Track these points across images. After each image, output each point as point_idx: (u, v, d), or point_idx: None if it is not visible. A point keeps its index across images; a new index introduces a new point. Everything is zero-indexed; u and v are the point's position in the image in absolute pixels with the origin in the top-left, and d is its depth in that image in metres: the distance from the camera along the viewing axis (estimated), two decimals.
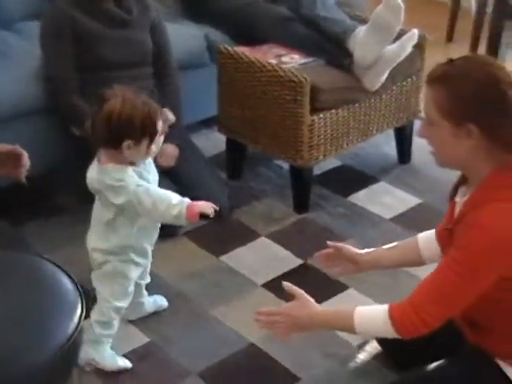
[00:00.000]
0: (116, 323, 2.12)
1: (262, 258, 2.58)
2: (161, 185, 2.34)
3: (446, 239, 1.75)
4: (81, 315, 1.61)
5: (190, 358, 2.17)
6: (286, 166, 2.93)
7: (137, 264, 2.10)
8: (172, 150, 2.71)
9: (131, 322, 2.29)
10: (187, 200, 1.96)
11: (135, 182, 1.96)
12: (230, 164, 3.01)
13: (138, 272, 2.13)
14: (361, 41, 2.68)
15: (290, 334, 1.84)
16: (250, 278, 2.46)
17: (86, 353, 2.07)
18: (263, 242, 2.66)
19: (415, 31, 2.69)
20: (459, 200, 1.75)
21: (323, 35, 2.82)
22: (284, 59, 2.75)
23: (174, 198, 1.96)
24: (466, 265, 1.63)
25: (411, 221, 2.76)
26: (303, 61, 2.76)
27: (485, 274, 1.64)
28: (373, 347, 2.18)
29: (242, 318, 2.30)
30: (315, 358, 2.16)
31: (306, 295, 1.83)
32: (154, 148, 1.99)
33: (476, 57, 1.73)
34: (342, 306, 1.84)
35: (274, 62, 2.71)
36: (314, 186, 2.88)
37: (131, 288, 2.11)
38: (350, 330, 1.75)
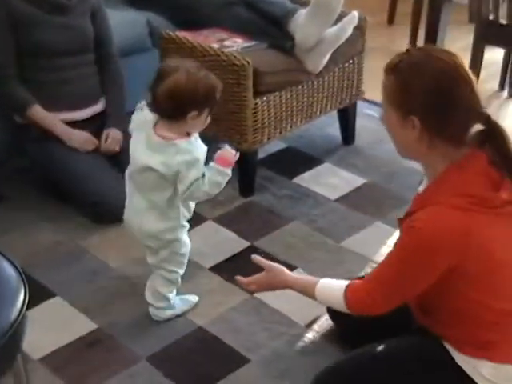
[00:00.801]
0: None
1: (209, 241, 2.59)
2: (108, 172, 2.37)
3: (401, 227, 1.78)
4: (24, 302, 1.60)
5: (138, 343, 2.17)
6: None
7: (185, 227, 2.18)
8: (116, 134, 2.71)
9: (78, 308, 2.28)
10: (216, 167, 2.05)
11: (203, 152, 2.05)
12: None
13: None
14: (302, 23, 2.70)
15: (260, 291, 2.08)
16: (197, 262, 2.46)
17: (162, 314, 2.22)
18: (210, 225, 2.67)
19: (355, 13, 2.72)
20: (420, 191, 1.78)
21: (265, 19, 2.83)
22: (226, 43, 2.75)
23: (212, 175, 2.04)
24: (401, 264, 1.68)
25: (356, 201, 2.81)
26: (246, 44, 2.77)
27: (421, 272, 1.67)
28: (321, 326, 2.22)
29: None
30: (264, 339, 2.18)
31: (275, 265, 1.96)
32: (209, 119, 2.06)
33: (433, 50, 1.69)
34: (309, 277, 1.94)
35: (216, 46, 2.71)
36: (259, 169, 2.89)
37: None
38: (314, 299, 1.88)
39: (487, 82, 3.61)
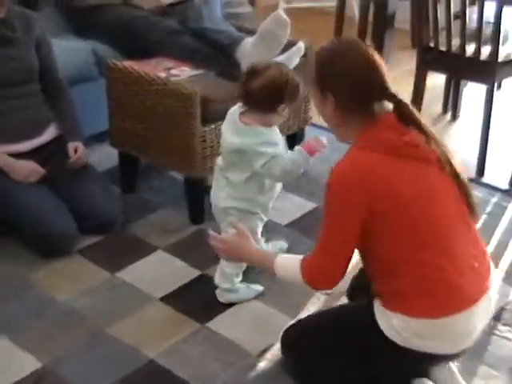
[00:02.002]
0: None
1: (160, 271, 2.57)
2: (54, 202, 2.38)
3: None
4: None
5: (86, 380, 2.12)
6: (180, 177, 2.94)
7: (262, 220, 2.38)
8: (83, 150, 2.72)
9: (22, 345, 2.23)
10: (299, 148, 2.26)
11: (281, 140, 2.30)
12: (124, 178, 2.99)
13: (261, 228, 2.39)
14: (248, 52, 2.72)
15: (227, 258, 2.20)
16: (147, 293, 2.44)
17: (227, 296, 2.40)
18: (160, 255, 2.65)
19: (302, 44, 2.75)
20: None
21: (212, 47, 2.85)
22: (174, 72, 2.76)
23: (293, 154, 2.25)
24: (330, 219, 1.86)
25: (307, 225, 2.82)
26: (193, 73, 2.78)
27: (346, 217, 1.83)
28: (273, 355, 2.21)
29: (140, 334, 2.28)
30: (216, 370, 2.16)
31: (246, 234, 2.09)
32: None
33: (347, 39, 2.00)
34: (269, 252, 2.15)
35: (163, 75, 2.71)
36: (209, 196, 2.89)
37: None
38: (271, 273, 2.01)
39: (431, 105, 3.68)
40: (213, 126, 2.70)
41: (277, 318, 2.36)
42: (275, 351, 2.22)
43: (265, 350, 2.23)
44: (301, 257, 1.94)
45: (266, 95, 2.20)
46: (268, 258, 2.03)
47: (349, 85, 1.83)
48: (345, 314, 2.06)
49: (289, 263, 1.97)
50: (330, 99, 1.85)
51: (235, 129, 2.27)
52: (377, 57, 1.85)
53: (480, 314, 1.87)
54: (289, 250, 2.65)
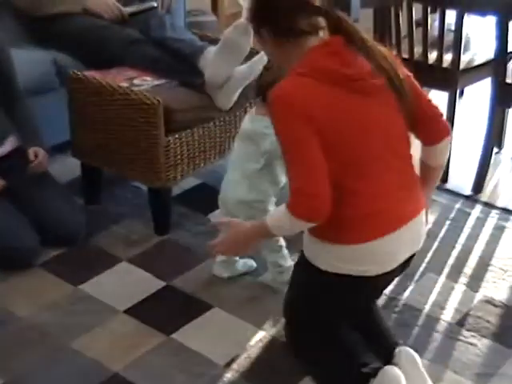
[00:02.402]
0: None
1: (124, 283, 2.54)
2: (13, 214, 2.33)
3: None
4: None
5: None
6: (144, 187, 2.91)
7: (273, 201, 2.48)
8: (45, 155, 2.68)
9: None
10: None
11: None
12: (87, 189, 2.96)
13: None
14: (211, 61, 2.71)
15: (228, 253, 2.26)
16: (111, 305, 2.41)
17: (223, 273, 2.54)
18: (124, 266, 2.62)
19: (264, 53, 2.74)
20: None
21: (174, 56, 2.83)
22: (136, 82, 2.73)
23: None
24: (286, 143, 1.78)
25: None
26: (156, 82, 2.76)
27: (303, 136, 1.75)
28: (240, 365, 2.20)
29: (103, 347, 2.25)
30: (183, 381, 2.14)
31: (234, 221, 2.01)
32: None
33: None
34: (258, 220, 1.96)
35: (125, 85, 2.69)
36: (174, 206, 2.87)
37: None
38: (270, 235, 1.90)
39: None
40: (176, 136, 2.69)
41: (243, 327, 2.34)
42: (242, 361, 2.21)
43: (232, 361, 2.21)
44: (284, 205, 1.85)
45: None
46: (260, 223, 1.91)
47: (277, 13, 1.80)
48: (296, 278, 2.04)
49: (276, 212, 1.88)
50: (265, 36, 1.83)
51: (250, 118, 2.48)
52: None
53: (405, 238, 1.89)
54: (256, 261, 2.64)
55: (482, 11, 3.12)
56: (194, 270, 2.61)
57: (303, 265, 1.94)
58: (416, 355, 2.02)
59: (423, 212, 1.96)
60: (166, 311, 2.41)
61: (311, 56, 1.78)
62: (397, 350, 2.02)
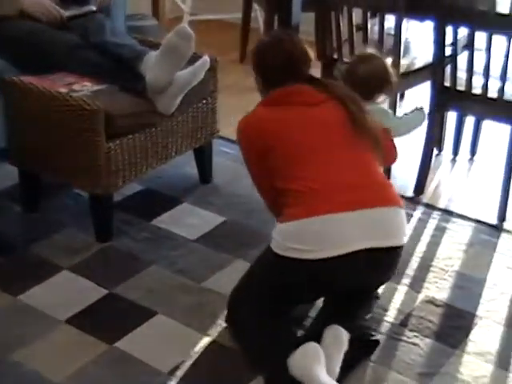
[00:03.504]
0: None
1: (65, 292, 2.49)
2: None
3: None
4: None
5: None
6: (85, 194, 2.86)
7: None
8: None
9: None
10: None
11: None
12: (25, 196, 2.89)
13: None
14: (152, 66, 2.68)
15: None
16: (51, 315, 2.36)
17: None
18: (65, 275, 2.57)
19: (207, 58, 2.73)
20: None
21: (115, 61, 2.79)
22: (75, 87, 2.68)
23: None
24: (249, 163, 2.27)
25: (216, 240, 2.80)
26: (96, 88, 2.72)
27: (257, 155, 2.22)
28: (183, 372, 2.18)
29: (45, 358, 2.21)
30: None
31: None
32: None
33: (280, 34, 2.46)
34: None
35: (64, 90, 2.64)
36: (116, 213, 2.83)
37: None
38: None
39: None
40: (117, 142, 2.65)
41: (187, 334, 2.32)
42: (186, 368, 2.19)
43: (176, 368, 2.19)
44: None
45: (370, 82, 2.45)
46: None
47: (271, 72, 2.28)
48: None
49: None
50: (259, 80, 2.33)
51: None
52: (300, 48, 2.29)
53: (353, 225, 2.04)
54: (200, 266, 2.62)
55: (420, 16, 3.17)
56: (137, 277, 2.58)
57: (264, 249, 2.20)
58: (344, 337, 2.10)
59: (395, 208, 2.10)
60: (109, 320, 2.38)
61: (275, 93, 2.26)
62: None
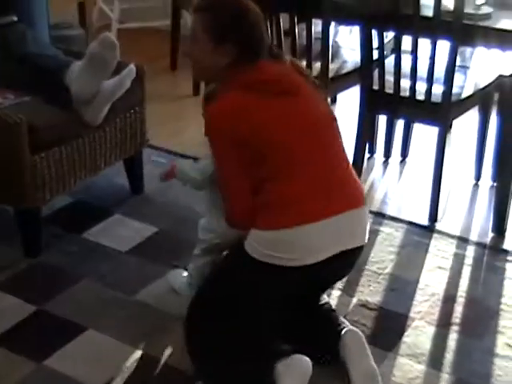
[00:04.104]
0: None
1: None
2: None
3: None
4: None
5: None
6: (11, 208, 2.78)
7: None
8: None
9: None
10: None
11: None
12: None
13: None
14: (77, 76, 2.63)
15: None
16: None
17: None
18: None
19: (133, 67, 2.69)
20: None
21: (38, 73, 2.72)
22: None
23: None
24: (219, 159, 2.07)
25: (148, 251, 2.76)
26: (18, 100, 2.65)
27: (231, 150, 2.02)
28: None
29: None
30: None
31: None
32: None
33: None
34: None
35: None
36: (45, 227, 2.76)
37: None
38: None
39: None
40: (43, 155, 2.59)
41: (119, 348, 2.28)
42: (118, 383, 2.14)
43: (107, 383, 2.15)
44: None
45: None
46: None
47: (251, 31, 2.04)
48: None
49: None
50: (228, 50, 2.03)
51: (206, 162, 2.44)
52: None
53: (329, 232, 2.04)
54: (132, 278, 2.58)
55: (345, 21, 3.19)
56: (67, 292, 2.52)
57: (234, 254, 2.16)
58: (361, 334, 2.16)
59: (362, 208, 2.12)
60: (38, 337, 2.31)
61: (247, 75, 2.03)
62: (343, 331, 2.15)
